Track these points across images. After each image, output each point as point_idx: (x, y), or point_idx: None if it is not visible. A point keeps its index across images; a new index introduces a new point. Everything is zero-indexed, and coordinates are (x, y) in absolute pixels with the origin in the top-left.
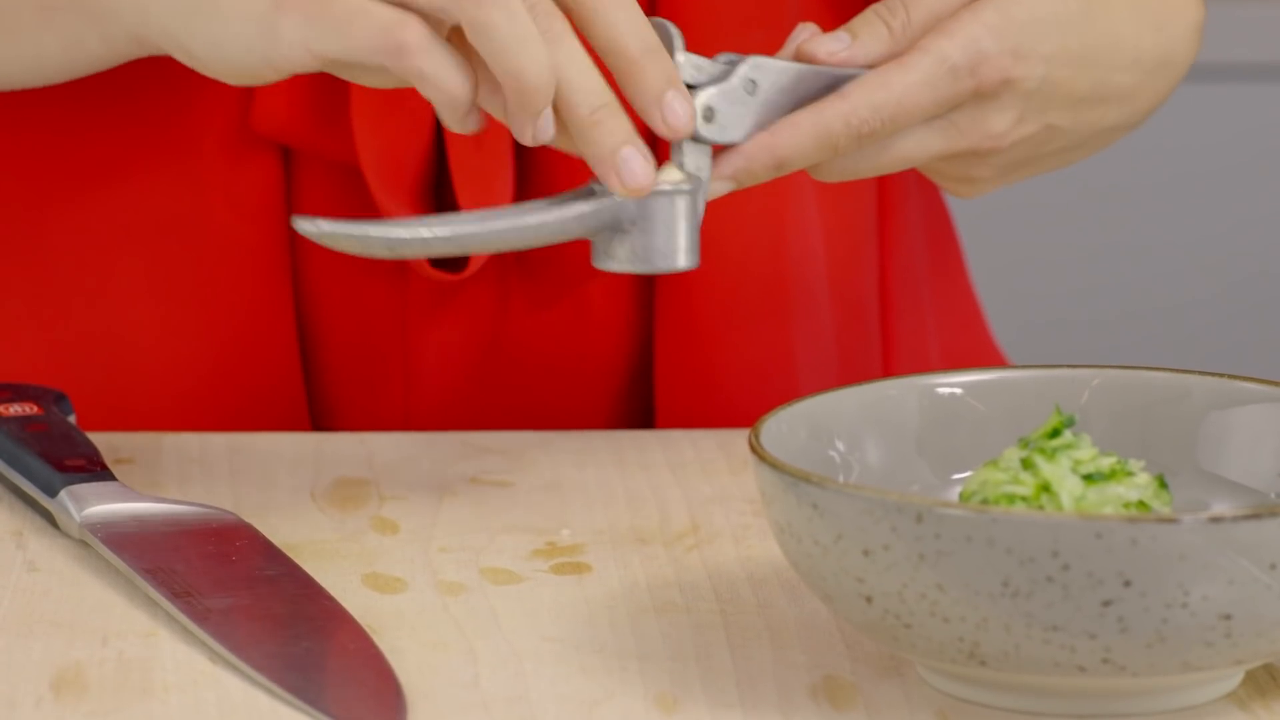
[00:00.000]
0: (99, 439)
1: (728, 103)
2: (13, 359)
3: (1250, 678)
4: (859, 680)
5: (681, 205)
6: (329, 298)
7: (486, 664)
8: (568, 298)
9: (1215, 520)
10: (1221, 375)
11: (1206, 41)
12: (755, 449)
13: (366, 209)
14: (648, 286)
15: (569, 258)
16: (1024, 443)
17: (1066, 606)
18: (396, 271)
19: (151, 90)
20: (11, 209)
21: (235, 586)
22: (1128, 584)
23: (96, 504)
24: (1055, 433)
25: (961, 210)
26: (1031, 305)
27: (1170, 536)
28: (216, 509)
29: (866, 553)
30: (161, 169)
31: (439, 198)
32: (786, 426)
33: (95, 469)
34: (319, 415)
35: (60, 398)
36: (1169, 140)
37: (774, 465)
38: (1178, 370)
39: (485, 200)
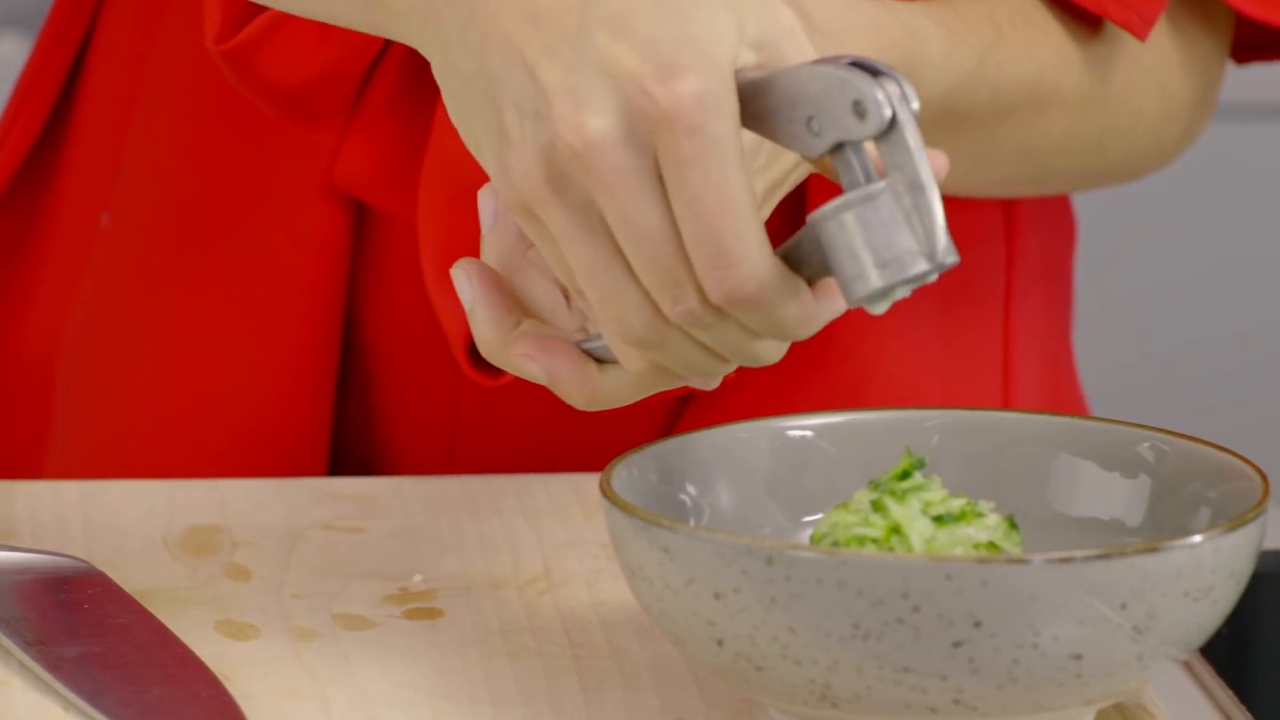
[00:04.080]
0: None
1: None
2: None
3: (1101, 716)
4: None
5: (844, 223)
6: (384, 363)
7: (339, 710)
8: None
9: (1065, 560)
10: (1070, 415)
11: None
12: (606, 493)
13: None
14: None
15: None
16: (874, 485)
17: (917, 648)
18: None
19: (243, 134)
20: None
21: (88, 635)
22: (978, 625)
23: None
24: (905, 475)
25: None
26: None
27: (1020, 577)
28: (69, 557)
29: (718, 596)
30: (242, 213)
31: None
32: (638, 470)
33: None
34: (348, 469)
35: None
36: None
37: (625, 509)
38: (1027, 411)
39: None
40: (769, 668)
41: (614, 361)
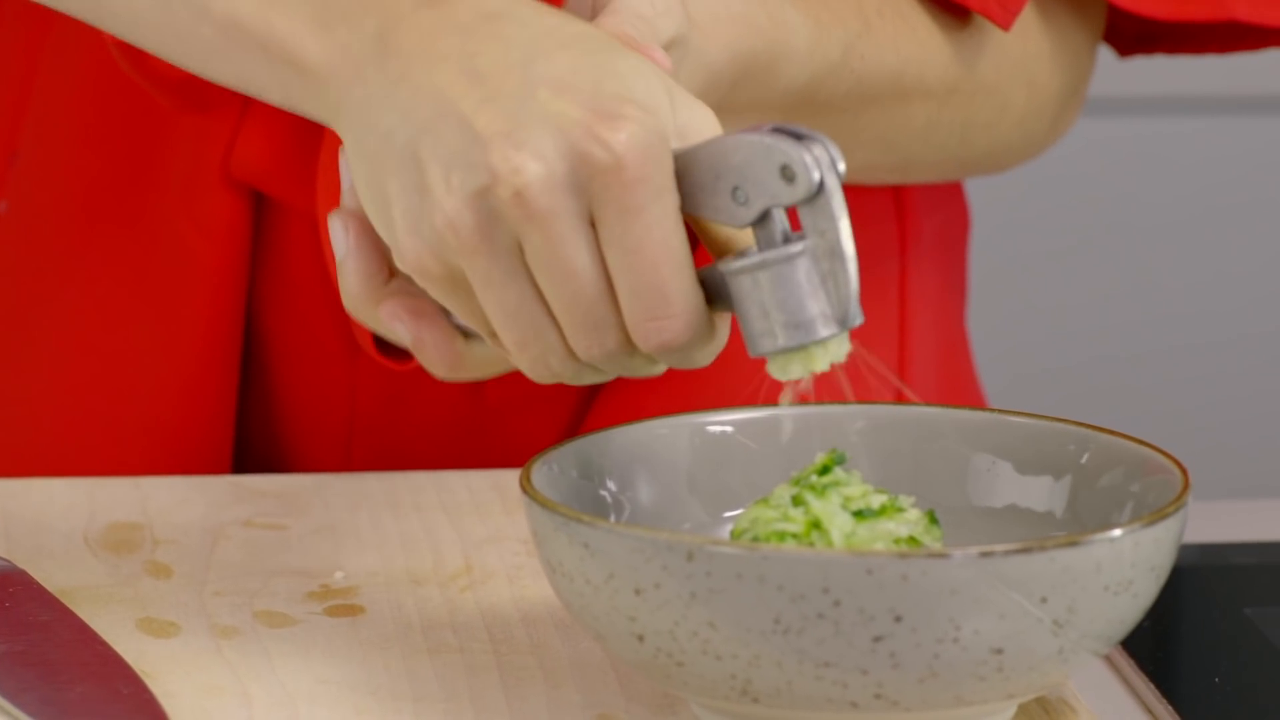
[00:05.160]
0: None
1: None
2: None
3: (1023, 711)
4: (633, 718)
5: (758, 281)
6: (282, 354)
7: (261, 707)
8: (541, 391)
9: (986, 555)
10: (991, 410)
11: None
12: (526, 489)
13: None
14: None
15: None
16: (795, 480)
17: (838, 643)
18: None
19: (140, 122)
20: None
21: (8, 633)
22: (899, 619)
23: None
24: (825, 470)
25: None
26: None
27: (941, 571)
28: None
29: (638, 591)
30: (142, 200)
31: None
32: (558, 466)
33: None
34: (250, 458)
35: None
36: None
37: (545, 505)
38: (947, 406)
39: None
40: (690, 663)
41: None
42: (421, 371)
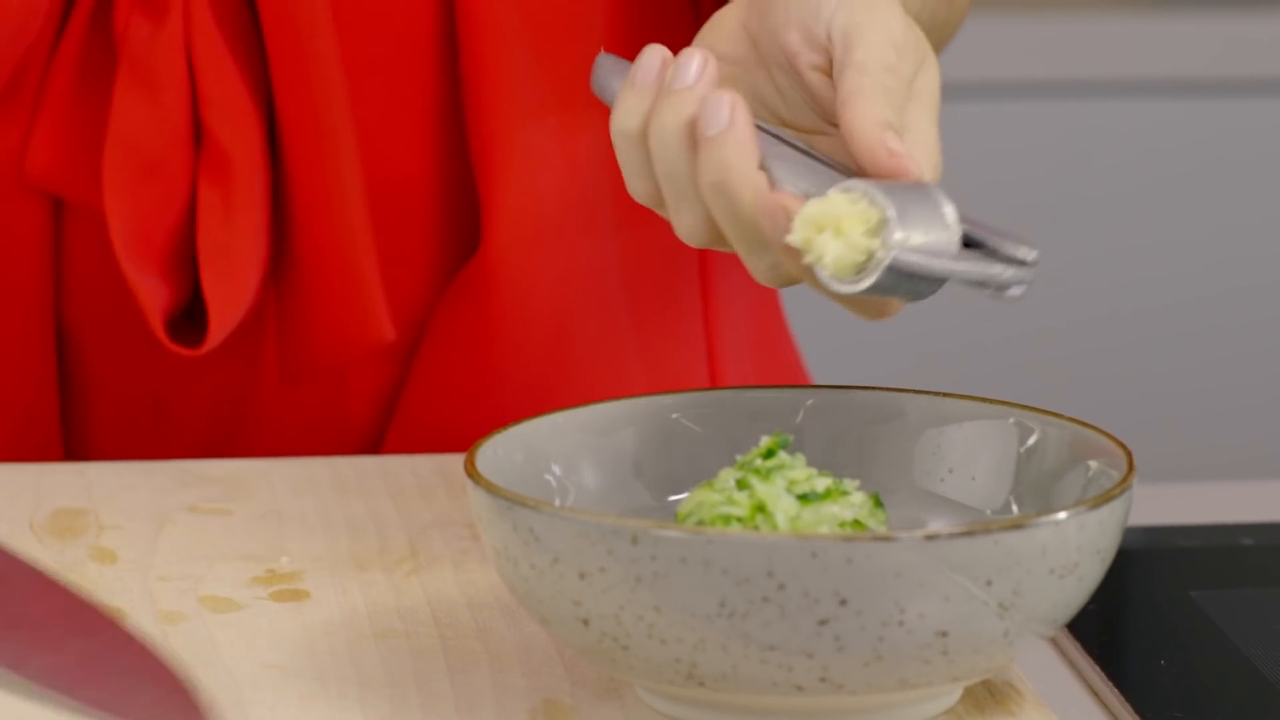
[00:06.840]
0: None
1: None
2: None
3: (969, 694)
4: (578, 703)
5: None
6: (90, 345)
7: (206, 692)
8: (323, 378)
9: (930, 538)
10: (935, 393)
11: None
12: (471, 473)
13: None
14: (406, 358)
15: (326, 336)
16: (739, 464)
17: (783, 626)
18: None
19: None
20: None
21: None
22: (844, 603)
23: None
24: (770, 453)
25: None
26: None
27: (886, 555)
28: None
29: (583, 576)
30: None
31: (193, 272)
32: (503, 450)
33: None
34: (77, 455)
35: None
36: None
37: (489, 489)
38: (892, 389)
39: (231, 281)
40: (635, 647)
41: None
42: (214, 357)
